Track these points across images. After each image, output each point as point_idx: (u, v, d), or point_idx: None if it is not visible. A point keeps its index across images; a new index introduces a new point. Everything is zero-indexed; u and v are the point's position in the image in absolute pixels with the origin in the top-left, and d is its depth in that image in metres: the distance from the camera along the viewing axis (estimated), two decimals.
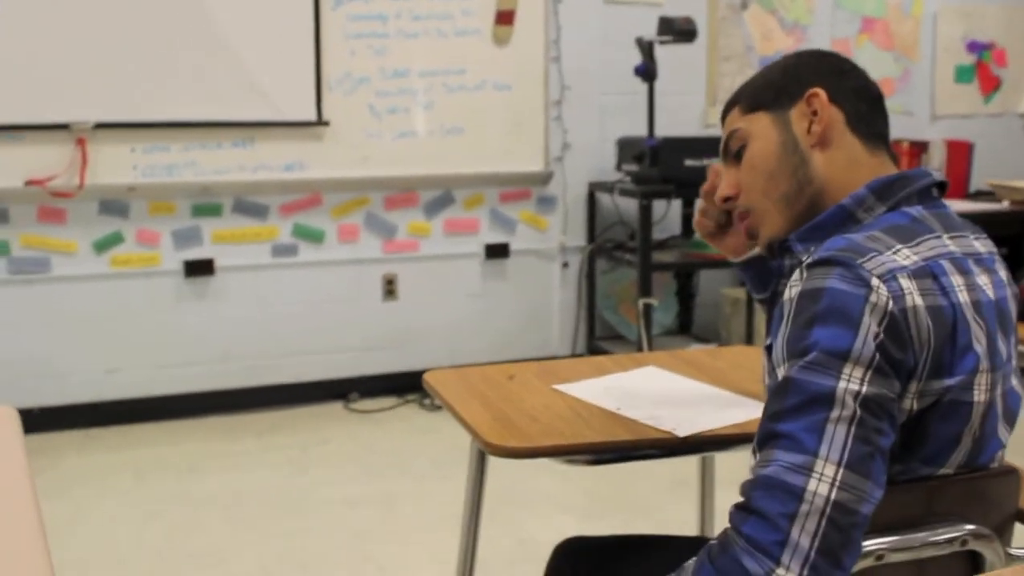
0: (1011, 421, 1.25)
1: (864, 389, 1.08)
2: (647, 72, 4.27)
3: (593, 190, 4.75)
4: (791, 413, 1.09)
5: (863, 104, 1.30)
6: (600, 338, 4.86)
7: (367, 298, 4.50)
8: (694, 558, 1.13)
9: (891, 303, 1.11)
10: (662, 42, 4.27)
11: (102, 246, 4.07)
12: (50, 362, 4.05)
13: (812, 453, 1.07)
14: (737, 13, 4.93)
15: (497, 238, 4.66)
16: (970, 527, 1.20)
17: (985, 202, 4.88)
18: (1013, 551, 1.26)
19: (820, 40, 5.05)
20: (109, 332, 4.11)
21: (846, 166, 1.28)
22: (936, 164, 5.03)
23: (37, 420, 3.96)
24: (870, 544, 1.14)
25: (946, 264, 1.17)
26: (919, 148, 5.01)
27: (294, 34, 4.17)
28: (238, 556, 2.94)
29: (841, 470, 1.06)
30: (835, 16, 5.12)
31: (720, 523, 1.26)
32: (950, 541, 1.19)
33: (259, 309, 4.32)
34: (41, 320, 4.02)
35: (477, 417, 1.66)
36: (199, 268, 4.19)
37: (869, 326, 1.09)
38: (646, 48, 4.25)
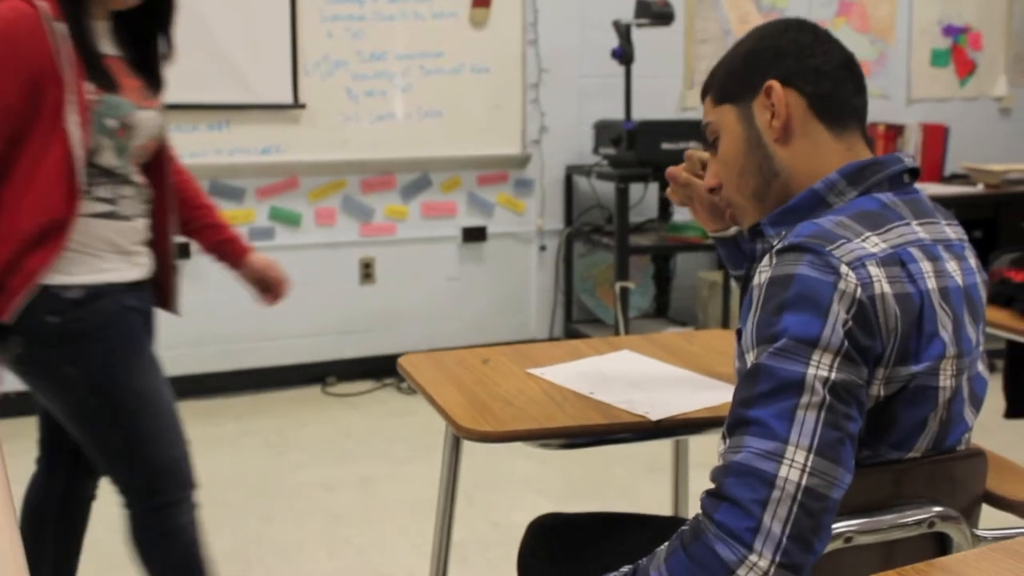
0: (977, 405, 1.26)
1: (833, 375, 1.09)
2: (624, 55, 4.27)
3: (570, 173, 4.75)
4: (761, 399, 1.10)
5: (827, 82, 1.27)
6: (577, 321, 4.87)
7: (344, 281, 4.50)
8: (666, 544, 1.14)
9: (859, 290, 1.11)
10: (639, 25, 4.27)
11: None
12: None
13: (782, 440, 1.08)
14: None
15: (474, 221, 4.66)
16: (938, 509, 1.22)
17: (960, 185, 4.91)
18: (980, 532, 1.28)
19: None
20: None
21: (812, 155, 1.27)
22: (912, 148, 5.05)
23: (13, 404, 3.93)
24: (839, 527, 1.16)
25: (915, 251, 1.17)
26: (895, 131, 5.03)
27: (270, 16, 4.14)
28: (215, 540, 2.93)
29: (811, 456, 1.07)
30: None
31: (693, 506, 1.27)
32: (918, 523, 1.20)
33: (236, 292, 4.28)
34: None
35: (451, 401, 1.66)
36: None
37: (838, 313, 1.10)
38: (623, 31, 4.25)
